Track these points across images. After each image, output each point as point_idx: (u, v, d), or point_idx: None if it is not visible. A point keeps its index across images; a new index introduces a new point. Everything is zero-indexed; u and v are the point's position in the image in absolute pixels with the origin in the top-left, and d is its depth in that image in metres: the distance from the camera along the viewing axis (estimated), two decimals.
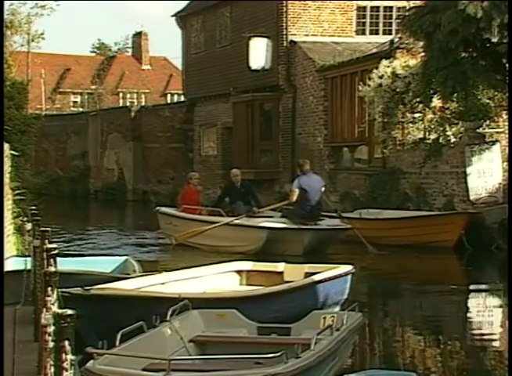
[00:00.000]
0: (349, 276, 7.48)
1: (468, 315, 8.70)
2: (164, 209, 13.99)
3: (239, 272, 7.83)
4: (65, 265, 7.52)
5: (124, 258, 8.60)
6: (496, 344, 7.09)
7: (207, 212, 13.26)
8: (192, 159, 24.45)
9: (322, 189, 12.59)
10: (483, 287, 10.15)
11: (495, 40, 11.25)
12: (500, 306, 9.00)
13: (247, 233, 12.11)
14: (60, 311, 3.20)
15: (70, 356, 3.12)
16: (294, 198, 12.23)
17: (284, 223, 12.24)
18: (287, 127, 19.73)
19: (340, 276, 7.33)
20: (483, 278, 10.93)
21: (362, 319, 5.79)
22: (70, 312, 3.14)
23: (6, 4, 23.52)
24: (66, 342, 3.11)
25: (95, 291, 6.14)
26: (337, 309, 7.06)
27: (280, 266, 7.81)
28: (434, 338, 7.36)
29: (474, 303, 9.38)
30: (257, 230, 12.09)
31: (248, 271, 7.84)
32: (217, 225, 12.35)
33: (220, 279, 7.60)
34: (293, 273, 7.57)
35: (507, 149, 13.66)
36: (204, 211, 13.35)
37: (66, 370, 3.08)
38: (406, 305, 9.07)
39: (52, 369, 3.37)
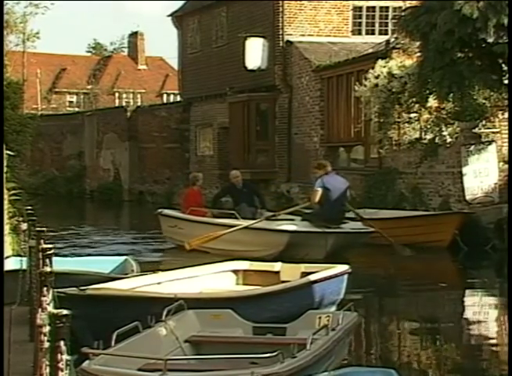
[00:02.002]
0: (345, 276, 7.48)
1: (463, 314, 8.71)
2: (167, 211, 13.20)
3: (235, 271, 7.83)
4: (65, 265, 7.54)
5: (124, 258, 8.59)
6: (491, 342, 7.10)
7: (212, 214, 12.47)
8: (189, 159, 24.45)
9: (347, 192, 11.78)
10: (478, 286, 10.17)
11: (491, 40, 11.26)
12: (495, 305, 9.01)
13: (266, 237, 11.22)
14: (56, 311, 3.19)
15: (65, 356, 3.12)
16: (317, 198, 11.39)
17: (306, 226, 11.41)
18: (283, 127, 19.74)
19: (337, 275, 7.33)
20: (478, 278, 10.93)
21: (358, 319, 5.79)
22: (65, 312, 3.13)
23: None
24: (62, 342, 3.10)
25: (91, 291, 6.13)
26: (334, 308, 7.06)
27: (277, 266, 7.82)
28: (430, 336, 7.37)
29: (469, 302, 9.39)
30: (277, 234, 11.19)
31: (245, 271, 7.84)
32: (235, 229, 11.44)
33: (216, 279, 7.60)
34: (290, 273, 7.57)
35: (503, 149, 13.68)
36: (210, 213, 12.55)
37: (62, 371, 3.07)
38: (402, 305, 9.08)
39: (48, 369, 3.36)
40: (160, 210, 13.42)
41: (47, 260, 4.92)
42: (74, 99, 45.19)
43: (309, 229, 11.37)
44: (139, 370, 4.55)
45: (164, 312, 5.38)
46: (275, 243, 11.11)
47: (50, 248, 5.02)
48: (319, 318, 5.69)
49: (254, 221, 11.66)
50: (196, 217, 12.37)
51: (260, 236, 11.29)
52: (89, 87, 43.50)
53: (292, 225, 11.49)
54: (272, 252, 10.82)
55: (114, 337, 4.75)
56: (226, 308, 5.85)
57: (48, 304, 4.19)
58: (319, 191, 11.38)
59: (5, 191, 10.31)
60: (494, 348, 6.86)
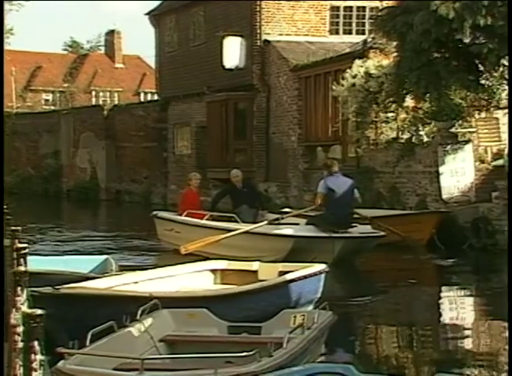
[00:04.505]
0: (323, 275, 7.49)
1: (440, 312, 8.77)
2: (163, 214, 12.52)
3: (213, 271, 7.80)
4: (45, 264, 7.47)
5: (104, 257, 8.48)
6: (468, 341, 7.16)
7: (211, 217, 11.79)
8: (166, 158, 24.37)
9: (355, 193, 11.00)
10: (454, 285, 10.25)
11: (467, 41, 11.36)
12: (472, 304, 9.08)
13: (269, 243, 10.58)
14: (30, 311, 3.15)
15: (39, 356, 3.09)
16: (318, 201, 10.90)
17: (311, 231, 10.77)
18: (261, 126, 19.75)
19: (314, 274, 7.34)
20: (454, 276, 11.00)
21: (333, 318, 5.79)
22: (39, 311, 3.10)
23: None
24: (36, 342, 3.07)
25: (65, 291, 6.07)
26: (311, 307, 7.06)
27: (255, 265, 7.81)
28: (407, 334, 7.40)
29: (446, 301, 9.45)
30: (280, 239, 10.61)
31: (222, 270, 7.82)
32: (235, 233, 10.78)
33: (194, 278, 7.57)
34: (268, 272, 7.57)
35: (479, 148, 13.80)
36: (209, 215, 11.83)
37: (36, 371, 3.05)
38: (379, 303, 9.11)
39: (21, 369, 3.32)
40: (155, 212, 12.68)
41: (21, 259, 4.87)
42: (50, 97, 44.80)
43: (315, 234, 10.72)
44: (115, 369, 4.52)
45: (139, 312, 5.35)
46: (278, 248, 10.41)
47: (25, 248, 4.96)
48: (294, 317, 5.69)
49: (255, 225, 10.98)
50: (194, 220, 11.76)
51: (262, 241, 10.65)
52: (65, 85, 43.15)
53: (296, 230, 10.87)
54: (275, 258, 9.83)
55: (89, 336, 4.72)
56: (202, 307, 5.82)
57: (22, 304, 4.14)
58: (321, 194, 10.83)
59: None
60: (470, 345, 6.91)
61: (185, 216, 12.01)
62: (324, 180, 10.95)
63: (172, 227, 12.04)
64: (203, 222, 11.66)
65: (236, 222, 11.39)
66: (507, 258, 8.03)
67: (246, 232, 10.86)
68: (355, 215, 11.29)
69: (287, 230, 10.89)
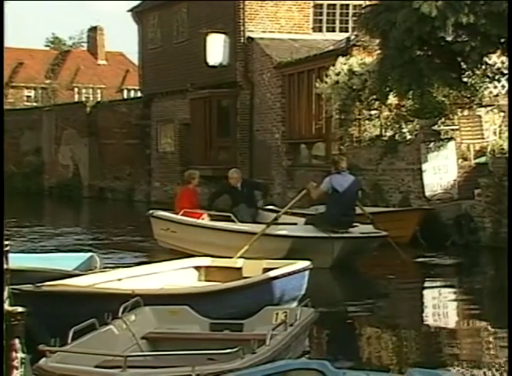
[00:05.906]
0: (306, 272, 7.50)
1: (423, 309, 8.81)
2: (159, 213, 12.02)
3: (197, 268, 7.79)
4: (29, 261, 7.42)
5: (89, 254, 8.42)
6: (450, 339, 7.20)
7: (208, 216, 11.53)
8: (150, 155, 24.30)
9: (359, 193, 10.83)
10: (437, 281, 10.31)
11: (449, 39, 11.41)
12: (455, 302, 9.14)
13: (266, 243, 10.15)
14: (11, 308, 3.13)
15: (20, 354, 3.07)
16: (315, 195, 10.61)
17: (310, 231, 10.40)
18: (245, 123, 19.74)
19: (298, 271, 7.35)
20: (437, 273, 11.06)
21: (315, 315, 5.80)
22: (20, 309, 3.07)
23: None
24: (17, 340, 3.05)
25: (46, 288, 6.03)
26: (295, 304, 7.07)
27: (239, 262, 7.81)
28: (389, 331, 7.43)
29: (428, 297, 9.50)
30: (278, 240, 10.24)
31: (207, 267, 7.81)
32: (259, 235, 10.24)
33: (178, 275, 7.55)
34: (252, 269, 7.57)
35: (462, 146, 13.89)
36: (206, 215, 11.56)
37: (17, 369, 3.02)
38: (362, 300, 9.13)
39: (3, 367, 3.29)
40: (151, 211, 12.18)
41: (3, 257, 4.82)
42: (32, 93, 44.48)
43: (314, 235, 10.35)
44: (97, 367, 4.50)
45: (121, 309, 5.32)
46: (275, 249, 9.96)
47: (6, 245, 4.92)
48: (276, 314, 5.70)
49: (264, 226, 10.54)
50: (191, 219, 11.43)
51: (259, 241, 10.25)
52: (47, 82, 42.87)
53: (295, 230, 10.54)
54: None
55: (71, 334, 4.69)
56: (185, 304, 5.81)
57: (3, 301, 4.11)
58: (321, 191, 10.47)
59: None
60: (451, 341, 6.95)
61: (182, 215, 11.74)
62: (329, 178, 10.55)
63: (168, 227, 11.73)
64: (200, 221, 11.42)
65: (233, 221, 11.17)
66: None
67: (266, 234, 10.37)
68: (358, 212, 10.93)
69: (285, 230, 10.55)
